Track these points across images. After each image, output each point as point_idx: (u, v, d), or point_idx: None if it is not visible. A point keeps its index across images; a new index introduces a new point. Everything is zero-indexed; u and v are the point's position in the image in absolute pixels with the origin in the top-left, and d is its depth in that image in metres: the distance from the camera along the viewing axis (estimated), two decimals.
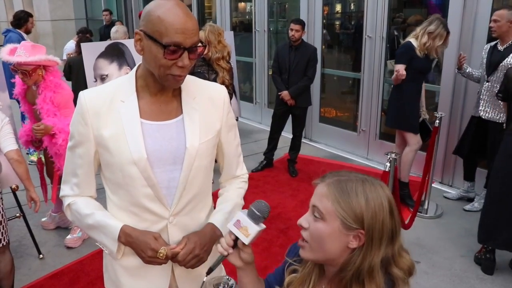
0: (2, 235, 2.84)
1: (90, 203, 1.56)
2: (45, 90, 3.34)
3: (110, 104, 1.45)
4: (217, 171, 1.69)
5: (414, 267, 1.19)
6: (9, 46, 3.36)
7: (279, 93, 5.19)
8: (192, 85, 1.56)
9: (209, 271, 1.36)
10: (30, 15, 6.53)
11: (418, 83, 4.27)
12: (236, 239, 1.30)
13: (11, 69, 3.33)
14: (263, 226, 1.31)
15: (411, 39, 4.15)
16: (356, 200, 1.11)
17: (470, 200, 4.55)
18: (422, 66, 4.20)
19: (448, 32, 4.11)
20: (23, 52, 3.24)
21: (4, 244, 2.87)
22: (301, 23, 5.06)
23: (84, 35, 6.13)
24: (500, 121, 3.89)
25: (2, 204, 2.89)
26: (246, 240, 1.28)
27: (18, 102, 3.75)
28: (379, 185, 1.16)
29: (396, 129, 4.64)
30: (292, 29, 5.01)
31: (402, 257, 1.17)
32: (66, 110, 3.41)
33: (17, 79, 3.54)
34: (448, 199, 4.67)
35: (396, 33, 5.59)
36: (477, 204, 4.41)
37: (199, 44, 1.39)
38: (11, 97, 3.82)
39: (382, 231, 1.11)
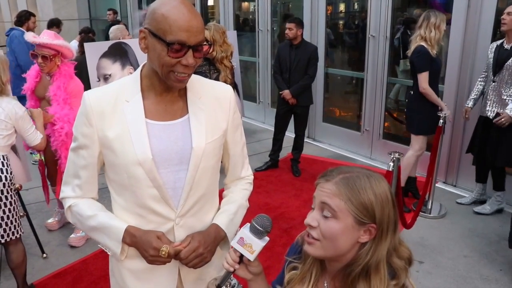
0: (15, 228, 3.01)
1: (93, 205, 1.54)
2: (60, 78, 3.50)
3: (115, 104, 1.43)
4: (221, 172, 1.68)
5: (412, 255, 1.23)
6: (32, 33, 3.60)
7: (280, 93, 5.21)
8: (198, 85, 1.54)
9: None
10: (33, 15, 6.55)
11: (436, 84, 4.21)
12: (241, 255, 1.30)
13: (31, 54, 3.48)
14: (266, 239, 1.31)
15: (422, 43, 4.04)
16: (367, 196, 1.14)
17: (482, 203, 4.44)
18: (439, 66, 4.17)
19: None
20: (46, 37, 3.45)
21: (18, 236, 3.05)
22: (295, 22, 5.07)
23: (87, 35, 6.14)
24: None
25: (16, 200, 3.04)
26: (251, 257, 1.29)
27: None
28: (381, 178, 1.20)
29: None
30: (286, 28, 5.05)
31: (402, 245, 1.22)
32: (77, 100, 3.49)
33: (29, 74, 3.68)
34: (462, 204, 4.52)
35: (409, 32, 5.51)
36: (488, 207, 4.31)
37: (204, 43, 1.37)
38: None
39: (388, 223, 1.16)
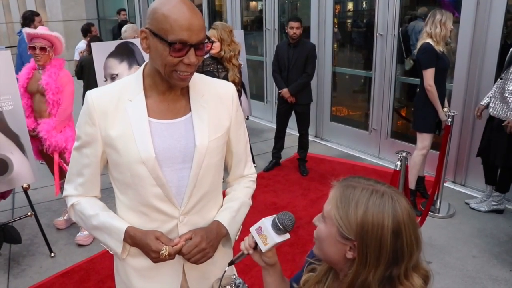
0: None
1: (95, 204, 1.54)
2: (52, 68, 3.71)
3: (118, 104, 1.44)
4: (225, 170, 1.67)
5: None
6: (29, 28, 3.93)
7: (279, 91, 5.21)
8: (200, 83, 1.54)
9: (230, 263, 1.41)
10: (36, 14, 6.51)
11: (443, 82, 4.18)
12: (257, 243, 1.32)
13: (29, 48, 3.63)
14: (286, 236, 1.32)
15: (427, 40, 4.03)
16: (355, 211, 1.06)
17: (500, 211, 4.30)
18: (446, 63, 4.13)
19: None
20: (43, 30, 3.72)
21: None
22: (300, 20, 5.05)
23: (92, 34, 6.15)
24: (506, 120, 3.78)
25: None
26: (263, 248, 1.31)
27: None
28: (392, 200, 1.07)
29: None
30: (292, 27, 4.98)
31: (410, 279, 1.10)
32: (68, 87, 3.75)
33: (21, 73, 3.78)
34: (476, 210, 4.38)
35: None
36: (485, 207, 4.27)
37: (206, 41, 1.37)
38: None
39: (379, 250, 1.04)
